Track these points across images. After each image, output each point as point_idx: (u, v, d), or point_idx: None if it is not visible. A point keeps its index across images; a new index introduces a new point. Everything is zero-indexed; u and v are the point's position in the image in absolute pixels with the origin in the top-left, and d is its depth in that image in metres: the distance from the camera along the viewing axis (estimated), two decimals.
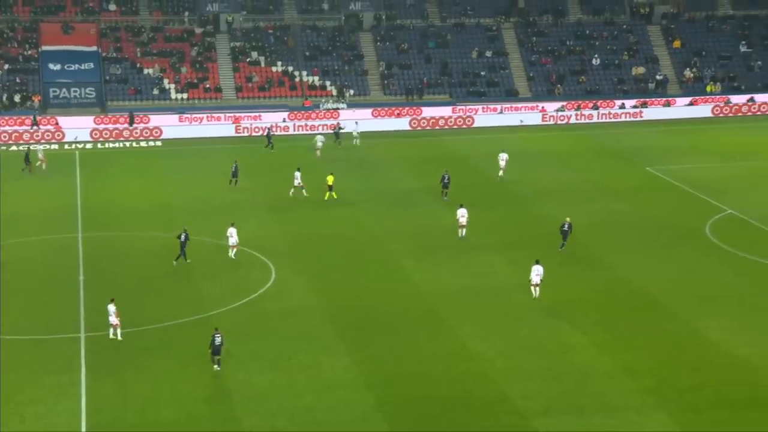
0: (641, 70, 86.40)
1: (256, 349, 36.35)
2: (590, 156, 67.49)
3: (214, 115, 76.87)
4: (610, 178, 60.74)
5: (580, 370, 34.51)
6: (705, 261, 45.49)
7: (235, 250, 45.75)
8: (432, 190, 57.33)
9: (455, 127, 77.08)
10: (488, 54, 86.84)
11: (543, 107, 79.84)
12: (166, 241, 47.62)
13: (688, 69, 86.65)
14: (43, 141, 70.73)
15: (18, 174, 60.95)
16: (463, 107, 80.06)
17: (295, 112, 77.96)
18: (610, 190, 56.86)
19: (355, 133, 68.70)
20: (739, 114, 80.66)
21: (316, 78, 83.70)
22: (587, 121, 78.51)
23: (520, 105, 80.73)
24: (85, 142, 71.47)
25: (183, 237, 44.88)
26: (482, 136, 73.35)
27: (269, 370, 34.66)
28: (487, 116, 78.56)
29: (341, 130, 70.44)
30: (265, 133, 70.31)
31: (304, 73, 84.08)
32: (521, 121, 77.54)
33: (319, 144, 66.06)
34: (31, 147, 66.27)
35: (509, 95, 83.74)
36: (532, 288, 40.62)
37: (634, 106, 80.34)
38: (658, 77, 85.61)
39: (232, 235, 45.65)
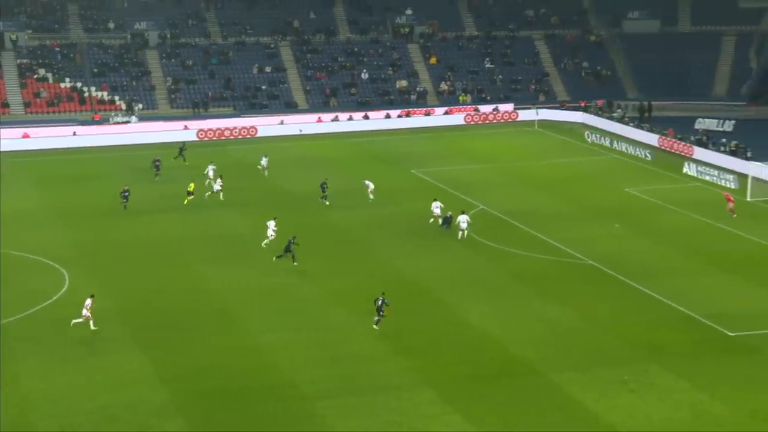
0: (404, 83, 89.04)
1: (52, 354, 34.59)
2: (362, 161, 68.78)
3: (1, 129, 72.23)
4: (380, 180, 61.93)
5: (360, 355, 35.19)
6: (463, 252, 47.47)
7: (266, 240, 45.93)
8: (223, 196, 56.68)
9: (240, 137, 76.41)
10: (268, 69, 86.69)
11: (319, 118, 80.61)
12: None
13: (443, 82, 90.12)
14: None
15: None
16: (247, 119, 79.46)
17: (86, 126, 74.84)
18: (380, 192, 58.16)
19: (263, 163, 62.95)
20: (487, 121, 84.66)
21: (105, 93, 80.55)
22: (359, 129, 79.96)
23: (299, 116, 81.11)
24: None
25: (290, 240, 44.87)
26: (265, 144, 73.14)
27: (66, 373, 33.09)
28: (269, 127, 78.37)
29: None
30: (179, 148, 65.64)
31: (93, 88, 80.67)
32: (300, 131, 77.93)
33: (211, 172, 58.79)
34: None
35: (289, 107, 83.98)
36: (460, 232, 47.95)
37: (399, 116, 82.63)
38: (418, 89, 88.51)
39: (270, 227, 45.82)
